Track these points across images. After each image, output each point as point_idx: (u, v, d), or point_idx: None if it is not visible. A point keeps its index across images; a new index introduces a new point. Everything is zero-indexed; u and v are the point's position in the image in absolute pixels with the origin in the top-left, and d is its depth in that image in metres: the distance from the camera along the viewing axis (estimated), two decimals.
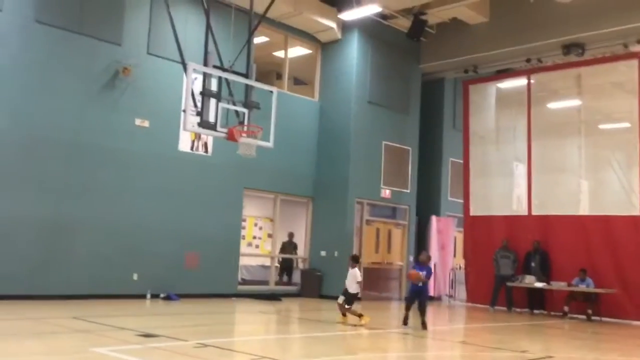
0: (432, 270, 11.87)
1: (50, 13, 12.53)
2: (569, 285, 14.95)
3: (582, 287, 14.75)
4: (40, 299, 11.79)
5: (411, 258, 18.24)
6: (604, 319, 14.49)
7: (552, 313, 15.50)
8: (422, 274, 11.07)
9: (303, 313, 13.74)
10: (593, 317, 14.54)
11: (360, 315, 11.08)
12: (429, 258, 11.91)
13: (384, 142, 17.68)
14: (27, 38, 12.26)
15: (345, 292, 11.31)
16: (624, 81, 15.64)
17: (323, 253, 16.68)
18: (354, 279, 11.29)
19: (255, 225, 19.33)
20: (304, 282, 16.95)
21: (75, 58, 12.89)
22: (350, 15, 16.23)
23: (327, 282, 16.42)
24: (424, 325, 10.94)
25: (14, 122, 11.99)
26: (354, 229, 16.98)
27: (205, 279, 14.48)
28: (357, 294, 11.44)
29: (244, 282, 16.58)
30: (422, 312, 11.08)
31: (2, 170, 11.81)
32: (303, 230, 17.57)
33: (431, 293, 18.44)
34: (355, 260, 11.73)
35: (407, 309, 11.32)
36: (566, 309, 15.04)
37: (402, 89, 18.32)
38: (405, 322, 11.22)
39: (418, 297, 11.26)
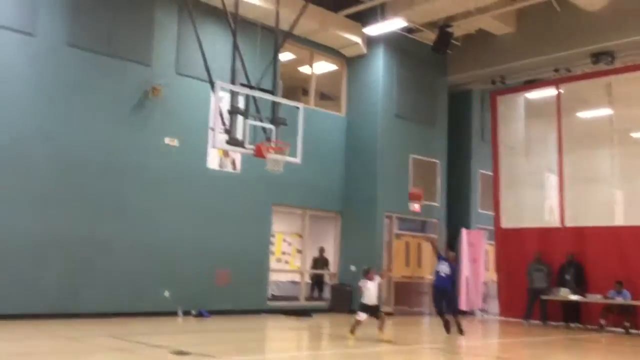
0: (458, 270, 11.51)
1: (81, 36, 12.81)
2: (605, 297, 14.62)
3: (619, 300, 14.40)
4: (74, 317, 11.94)
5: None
6: None
7: (588, 326, 15.16)
8: (446, 267, 10.88)
9: (334, 329, 13.67)
10: (631, 330, 14.17)
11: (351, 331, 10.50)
12: (454, 257, 11.70)
13: (411, 156, 17.60)
14: (60, 61, 12.55)
15: (370, 307, 10.68)
16: None
17: (353, 268, 16.60)
18: (377, 288, 10.76)
19: (284, 241, 19.35)
20: (334, 297, 16.88)
21: (106, 80, 13.14)
22: (375, 30, 16.27)
23: (357, 297, 16.26)
24: (460, 331, 10.67)
25: (47, 144, 12.24)
26: (383, 243, 16.89)
27: (236, 296, 14.52)
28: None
29: (274, 298, 16.58)
30: (454, 315, 10.81)
31: (36, 191, 12.04)
32: (332, 245, 17.53)
33: (464, 307, 18.22)
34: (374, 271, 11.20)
35: (440, 314, 11.02)
36: (603, 322, 14.68)
37: (429, 102, 18.25)
38: (447, 329, 10.94)
39: (445, 299, 10.92)
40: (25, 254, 11.78)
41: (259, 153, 11.08)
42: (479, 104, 20.01)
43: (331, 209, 17.19)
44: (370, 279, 10.76)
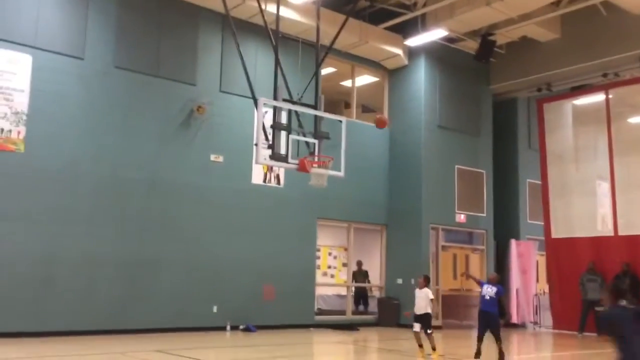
0: (502, 290, 10.93)
1: (129, 58, 13.18)
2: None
3: None
4: (123, 333, 12.17)
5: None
6: None
7: None
8: (491, 289, 10.51)
9: (381, 343, 13.54)
10: None
11: (433, 349, 10.44)
12: (497, 277, 11.19)
13: (456, 166, 17.39)
14: (108, 83, 12.93)
15: (420, 317, 10.49)
16: None
17: (399, 281, 16.44)
18: (426, 297, 10.49)
19: (330, 254, 19.32)
20: (381, 311, 16.73)
21: (153, 99, 13.46)
22: (416, 41, 16.20)
23: (404, 310, 16.11)
24: (501, 355, 10.19)
25: (97, 163, 12.59)
26: (429, 255, 16.68)
27: (283, 310, 14.55)
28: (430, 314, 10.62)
29: (321, 312, 16.53)
30: (497, 338, 10.22)
31: (86, 210, 12.38)
32: (378, 258, 17.41)
33: (515, 320, 17.81)
34: (427, 280, 10.99)
35: (479, 339, 10.43)
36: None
37: (472, 111, 18.02)
38: (477, 356, 10.34)
39: (488, 324, 10.37)
40: (76, 272, 12.08)
41: (302, 168, 11.10)
42: (525, 111, 19.65)
43: (376, 221, 17.09)
44: (420, 287, 10.57)
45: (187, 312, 13.21)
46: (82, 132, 12.50)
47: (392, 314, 16.26)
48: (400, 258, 16.76)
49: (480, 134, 18.09)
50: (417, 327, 10.48)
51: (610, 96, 16.50)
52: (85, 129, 12.54)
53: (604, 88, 16.64)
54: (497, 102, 18.89)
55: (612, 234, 15.94)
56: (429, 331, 10.46)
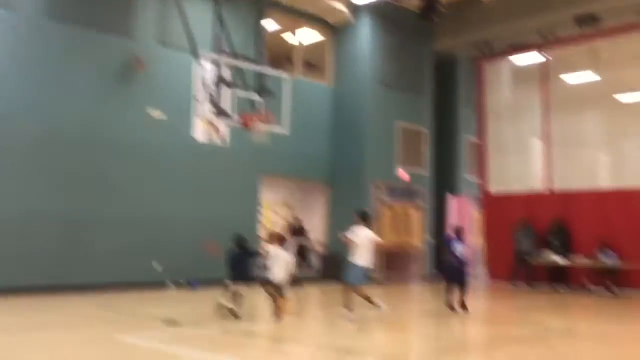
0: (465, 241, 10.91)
1: (62, 9, 12.59)
2: (591, 259, 14.86)
3: (604, 261, 14.64)
4: (64, 290, 11.96)
5: (430, 238, 18.25)
6: (626, 291, 14.39)
7: (574, 288, 15.42)
8: (461, 248, 10.61)
9: (324, 296, 13.81)
10: (615, 290, 14.44)
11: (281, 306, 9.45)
12: (462, 230, 11.18)
13: (398, 124, 17.61)
14: (39, 34, 12.34)
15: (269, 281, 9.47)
16: None
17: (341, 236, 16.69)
18: (283, 259, 9.52)
19: (273, 211, 19.36)
20: (324, 266, 17.01)
21: (88, 53, 12.96)
22: None
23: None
24: (464, 307, 10.39)
25: (30, 118, 12.11)
26: (371, 212, 16.96)
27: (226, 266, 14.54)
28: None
29: (265, 267, 16.62)
30: (463, 292, 10.45)
31: (21, 165, 11.96)
32: (321, 215, 17.60)
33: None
34: (281, 238, 10.08)
35: (449, 292, 10.57)
36: (588, 283, 14.96)
37: (415, 70, 18.20)
38: (452, 307, 10.46)
39: (459, 278, 10.52)
40: (14, 228, 11.74)
41: (245, 124, 11.03)
42: (466, 70, 19.98)
43: (319, 178, 17.23)
44: (275, 244, 9.74)
45: (127, 268, 13.07)
46: (13, 86, 11.95)
47: (335, 269, 16.53)
48: (343, 214, 16.97)
49: (422, 92, 18.33)
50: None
51: (546, 56, 16.96)
52: (17, 83, 11.99)
53: (541, 47, 17.07)
54: (439, 61, 19.12)
55: (545, 189, 16.63)
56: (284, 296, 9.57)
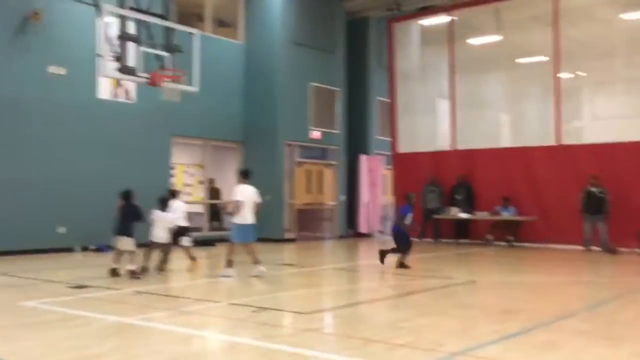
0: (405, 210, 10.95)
1: None
2: (492, 214, 15.68)
3: (505, 215, 15.50)
4: None
5: (343, 197, 18.60)
6: (525, 244, 15.34)
7: (477, 241, 16.26)
8: (410, 216, 10.81)
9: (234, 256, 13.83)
10: (515, 243, 15.36)
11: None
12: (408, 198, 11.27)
13: (311, 84, 17.64)
14: None
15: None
16: (541, 14, 16.07)
17: None
18: (164, 223, 9.87)
19: (186, 172, 19.06)
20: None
21: None
22: None
23: (261, 225, 16.49)
24: (403, 265, 10.63)
25: None
26: (284, 172, 17.07)
27: (138, 228, 14.24)
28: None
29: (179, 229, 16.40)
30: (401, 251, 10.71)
31: None
32: (234, 175, 17.47)
33: (364, 230, 18.98)
34: (174, 195, 10.41)
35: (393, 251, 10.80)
36: (489, 237, 15.82)
37: (328, 29, 18.20)
38: (404, 266, 10.62)
39: (406, 240, 10.79)
40: None
41: (153, 82, 10.71)
42: (377, 31, 20.18)
43: (232, 139, 17.05)
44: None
45: (32, 233, 12.53)
46: None
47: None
48: (257, 175, 16.85)
49: (334, 52, 18.39)
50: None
51: (454, 18, 17.41)
52: None
53: (449, 10, 17.49)
54: (351, 21, 19.20)
55: (450, 148, 17.28)
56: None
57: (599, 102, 16.63)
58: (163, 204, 10.10)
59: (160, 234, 9.90)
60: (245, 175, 9.98)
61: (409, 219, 10.81)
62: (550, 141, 15.47)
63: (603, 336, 5.88)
